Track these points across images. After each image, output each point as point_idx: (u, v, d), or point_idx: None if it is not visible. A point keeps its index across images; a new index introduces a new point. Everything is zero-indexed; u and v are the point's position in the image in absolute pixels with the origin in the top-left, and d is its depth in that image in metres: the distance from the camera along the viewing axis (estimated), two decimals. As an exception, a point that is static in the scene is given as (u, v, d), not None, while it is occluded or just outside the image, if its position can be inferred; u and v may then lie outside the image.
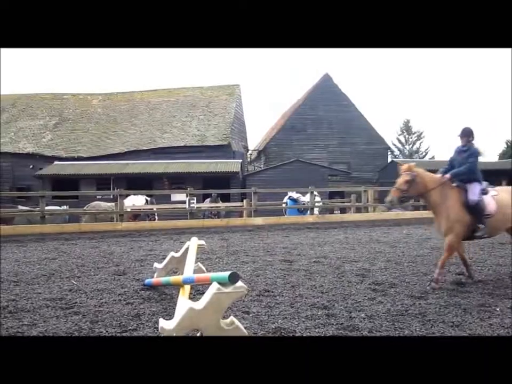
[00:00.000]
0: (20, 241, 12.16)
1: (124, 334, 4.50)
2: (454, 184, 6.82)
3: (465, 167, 6.78)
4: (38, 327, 4.72)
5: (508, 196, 6.95)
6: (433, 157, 53.57)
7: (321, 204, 21.63)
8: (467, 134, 6.95)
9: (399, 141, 57.98)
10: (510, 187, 7.35)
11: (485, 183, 6.94)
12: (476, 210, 6.64)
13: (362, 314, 5.07)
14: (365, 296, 5.93)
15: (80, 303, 5.70)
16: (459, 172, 6.81)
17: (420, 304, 5.51)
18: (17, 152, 32.50)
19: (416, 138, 57.87)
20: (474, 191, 6.72)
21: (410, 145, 57.92)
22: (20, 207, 19.47)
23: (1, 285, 6.77)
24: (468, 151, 6.89)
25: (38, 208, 16.35)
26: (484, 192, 6.80)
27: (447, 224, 6.64)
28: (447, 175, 6.84)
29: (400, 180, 6.77)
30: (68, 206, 23.34)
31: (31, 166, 31.71)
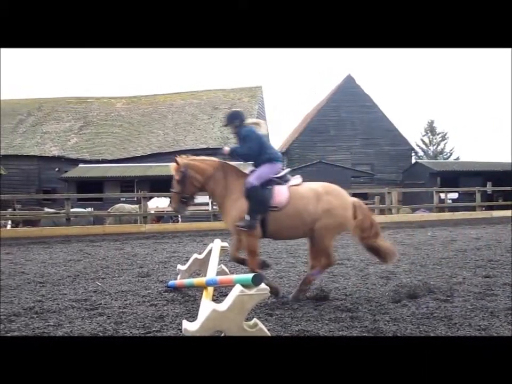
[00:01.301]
0: (46, 243, 12.35)
1: (148, 336, 4.52)
2: (248, 171, 5.93)
3: (242, 149, 5.89)
4: (64, 328, 4.77)
5: (314, 191, 5.77)
6: (458, 158, 52.94)
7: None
8: (229, 121, 6.01)
9: (423, 141, 57.48)
10: (332, 185, 6.10)
11: (287, 170, 6.04)
12: (250, 197, 5.58)
13: (387, 317, 5.01)
14: (389, 298, 5.87)
15: (105, 304, 5.74)
16: (237, 150, 5.95)
17: (445, 307, 5.42)
18: (43, 155, 33.09)
19: (440, 139, 57.27)
20: (258, 173, 5.73)
21: (435, 146, 57.33)
22: (46, 209, 19.77)
23: (28, 286, 6.88)
24: (239, 136, 5.97)
25: (63, 210, 16.60)
26: (283, 179, 5.84)
27: (232, 220, 5.70)
28: (226, 148, 6.04)
29: (173, 182, 5.89)
30: (92, 208, 23.65)
31: (56, 169, 32.25)
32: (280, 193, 5.66)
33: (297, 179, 5.95)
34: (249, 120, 6.00)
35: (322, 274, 6.15)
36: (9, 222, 18.64)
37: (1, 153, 32.57)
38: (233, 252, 6.04)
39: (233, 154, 6.03)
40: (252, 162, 5.99)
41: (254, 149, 5.83)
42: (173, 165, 5.90)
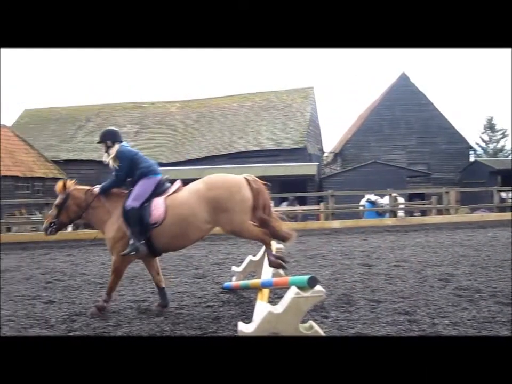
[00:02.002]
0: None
1: (205, 336, 4.57)
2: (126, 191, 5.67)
3: (110, 181, 5.76)
4: (123, 328, 4.89)
5: (194, 192, 5.39)
6: (519, 156, 51.05)
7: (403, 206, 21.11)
8: (101, 140, 5.89)
9: (482, 139, 55.72)
10: (212, 176, 5.61)
11: (158, 177, 5.66)
12: (129, 219, 5.37)
13: (446, 321, 4.89)
14: (449, 302, 5.72)
15: (162, 305, 5.85)
16: (106, 186, 5.75)
17: (508, 311, 5.24)
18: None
19: (501, 136, 55.37)
20: (135, 192, 5.49)
21: (495, 144, 55.48)
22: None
23: (88, 286, 7.10)
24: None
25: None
26: (160, 190, 5.58)
27: (110, 243, 5.60)
28: (96, 189, 5.79)
29: (53, 204, 5.80)
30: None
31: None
32: (157, 208, 5.39)
33: (175, 185, 5.69)
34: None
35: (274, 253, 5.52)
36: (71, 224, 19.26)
37: (62, 158, 33.73)
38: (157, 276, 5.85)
39: (103, 191, 5.78)
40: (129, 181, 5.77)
41: (123, 168, 5.67)
42: (58, 185, 5.78)
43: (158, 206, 5.39)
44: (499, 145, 55.24)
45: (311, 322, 3.79)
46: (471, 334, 4.46)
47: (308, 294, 3.64)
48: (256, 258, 6.60)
